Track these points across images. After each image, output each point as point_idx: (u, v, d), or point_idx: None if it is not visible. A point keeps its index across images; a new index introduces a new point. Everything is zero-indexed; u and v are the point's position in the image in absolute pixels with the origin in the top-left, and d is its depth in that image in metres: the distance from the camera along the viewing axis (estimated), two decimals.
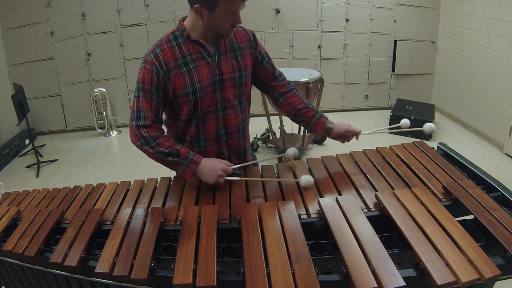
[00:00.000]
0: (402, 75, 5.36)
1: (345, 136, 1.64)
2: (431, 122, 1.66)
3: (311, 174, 1.58)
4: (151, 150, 1.44)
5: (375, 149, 1.77)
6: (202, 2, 1.33)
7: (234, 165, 1.53)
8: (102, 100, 4.83)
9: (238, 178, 1.49)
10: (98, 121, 4.91)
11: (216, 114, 1.51)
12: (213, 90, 1.47)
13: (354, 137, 1.66)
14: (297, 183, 1.48)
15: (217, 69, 1.46)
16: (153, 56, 1.43)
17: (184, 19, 1.47)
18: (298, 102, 1.61)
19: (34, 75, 4.71)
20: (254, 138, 4.22)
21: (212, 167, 1.44)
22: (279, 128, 4.01)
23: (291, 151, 1.55)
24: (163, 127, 1.53)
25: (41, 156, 4.30)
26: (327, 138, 4.28)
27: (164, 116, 1.59)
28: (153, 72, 1.42)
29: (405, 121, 1.77)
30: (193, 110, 1.48)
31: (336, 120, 1.67)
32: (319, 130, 1.62)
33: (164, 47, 1.43)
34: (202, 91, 1.44)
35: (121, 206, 1.51)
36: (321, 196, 1.42)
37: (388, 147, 1.79)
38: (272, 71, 1.62)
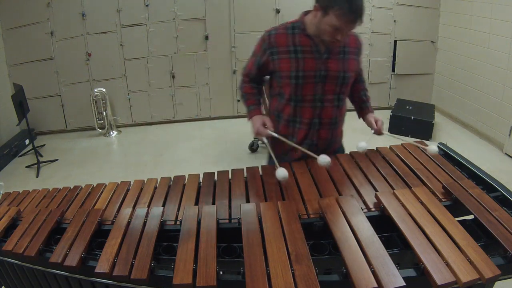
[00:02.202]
0: (402, 75, 5.36)
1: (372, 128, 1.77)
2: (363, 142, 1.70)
3: (311, 174, 1.58)
4: (239, 89, 1.84)
5: (375, 149, 1.77)
6: (320, 4, 1.47)
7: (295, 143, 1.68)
8: (102, 100, 4.83)
9: (266, 141, 1.66)
10: (98, 121, 4.91)
11: (313, 104, 1.64)
12: (315, 82, 1.60)
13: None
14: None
15: (323, 65, 1.58)
16: (267, 35, 1.63)
17: (306, 13, 1.63)
18: (358, 89, 1.83)
19: (34, 75, 4.71)
20: (254, 138, 4.22)
21: (254, 122, 1.67)
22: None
23: (281, 173, 1.49)
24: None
25: (41, 156, 4.30)
26: None
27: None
28: (262, 47, 1.65)
29: (432, 147, 1.66)
30: (293, 93, 1.63)
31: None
32: (359, 117, 1.86)
33: (279, 32, 1.62)
34: (303, 79, 1.59)
35: (121, 206, 1.51)
36: (321, 196, 1.42)
37: (388, 147, 1.79)
38: (359, 73, 1.81)
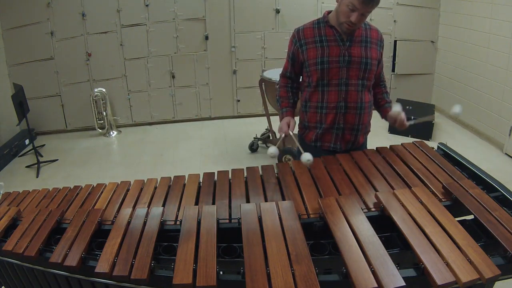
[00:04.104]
0: (402, 75, 5.36)
1: (396, 124, 1.81)
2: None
3: (311, 174, 1.58)
4: (276, 92, 1.98)
5: (375, 149, 1.77)
6: None
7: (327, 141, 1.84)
8: (102, 100, 4.83)
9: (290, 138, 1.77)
10: (98, 121, 4.91)
11: (339, 88, 1.76)
12: (340, 66, 1.73)
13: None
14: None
15: (346, 51, 1.72)
16: (296, 31, 1.82)
17: (329, 12, 1.79)
18: (379, 92, 1.94)
19: (34, 75, 4.71)
20: (254, 138, 4.22)
21: (282, 121, 1.81)
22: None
23: (272, 149, 1.60)
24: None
25: (41, 156, 4.30)
26: None
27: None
28: (292, 42, 1.83)
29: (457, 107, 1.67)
30: (320, 78, 1.76)
31: None
32: (382, 117, 1.94)
33: (307, 26, 1.80)
34: (329, 64, 1.73)
35: (121, 206, 1.51)
36: (321, 196, 1.42)
37: (388, 147, 1.79)
38: (380, 70, 1.90)
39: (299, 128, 1.96)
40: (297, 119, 1.88)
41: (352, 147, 1.85)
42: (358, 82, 1.76)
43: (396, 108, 1.76)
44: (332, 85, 1.76)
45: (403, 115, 1.77)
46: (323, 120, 1.81)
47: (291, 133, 1.75)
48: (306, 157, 1.55)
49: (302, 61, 1.80)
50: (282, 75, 1.94)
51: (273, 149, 1.59)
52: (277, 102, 1.94)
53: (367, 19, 1.77)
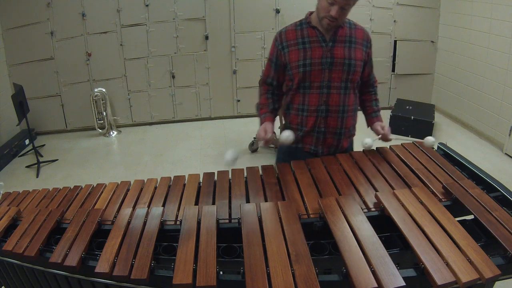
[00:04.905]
0: (402, 75, 5.36)
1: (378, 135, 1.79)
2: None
3: (311, 174, 1.58)
4: (257, 102, 1.90)
5: (375, 149, 1.77)
6: None
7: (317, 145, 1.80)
8: (102, 100, 4.83)
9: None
10: (98, 121, 4.91)
11: (320, 91, 1.71)
12: (322, 69, 1.68)
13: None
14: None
15: (329, 52, 1.67)
16: (278, 33, 1.76)
17: (311, 13, 1.73)
18: (368, 99, 1.89)
19: (34, 75, 4.71)
20: (254, 138, 4.22)
21: (259, 129, 1.75)
22: (279, 128, 4.01)
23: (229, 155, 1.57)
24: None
25: (41, 156, 4.30)
26: None
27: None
28: (275, 46, 1.77)
29: (429, 139, 1.72)
30: (301, 81, 1.71)
31: None
32: (368, 126, 1.90)
33: (289, 29, 1.74)
34: (310, 66, 1.68)
35: (121, 206, 1.51)
36: (321, 196, 1.42)
37: (388, 147, 1.79)
38: (369, 72, 1.84)
39: (281, 129, 1.95)
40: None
41: (336, 151, 1.79)
42: (341, 85, 1.70)
43: (366, 141, 1.73)
44: (313, 87, 1.70)
45: (386, 129, 1.73)
46: (303, 123, 1.76)
47: (269, 138, 1.67)
48: (285, 134, 1.55)
49: (284, 64, 1.74)
50: (263, 82, 1.85)
51: (230, 155, 1.55)
52: (256, 109, 1.88)
53: (358, 20, 1.75)
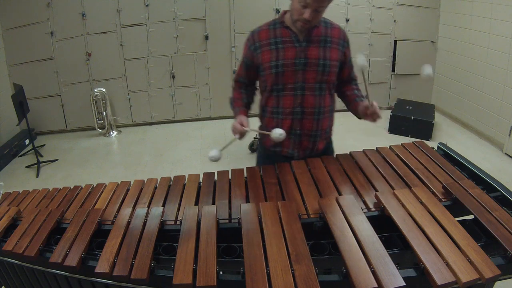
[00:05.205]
0: (402, 75, 5.36)
1: (367, 116, 1.64)
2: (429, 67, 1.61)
3: (311, 174, 1.58)
4: (230, 96, 1.85)
5: (375, 149, 1.77)
6: None
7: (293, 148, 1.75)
8: (102, 100, 4.83)
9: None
10: (98, 121, 4.91)
11: (294, 92, 1.66)
12: (295, 69, 1.63)
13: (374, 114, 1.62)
14: None
15: (302, 53, 1.61)
16: (251, 34, 1.71)
17: (285, 12, 1.68)
18: (349, 89, 1.81)
19: (34, 75, 4.71)
20: (254, 138, 4.22)
21: (234, 121, 1.68)
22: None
23: (213, 153, 1.56)
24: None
25: (41, 156, 4.30)
26: None
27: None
28: (247, 46, 1.72)
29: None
30: (274, 82, 1.66)
31: (343, 119, 1.70)
32: (353, 111, 1.78)
33: (262, 28, 1.69)
34: (283, 67, 1.63)
35: (121, 206, 1.51)
36: (321, 196, 1.42)
37: (388, 147, 1.79)
38: (349, 72, 1.79)
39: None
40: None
41: (311, 154, 1.75)
42: (316, 86, 1.65)
43: (361, 61, 1.56)
44: (287, 89, 1.65)
45: (374, 104, 1.58)
46: (279, 126, 1.67)
47: (247, 129, 1.62)
48: (278, 131, 1.50)
49: (257, 65, 1.69)
50: (235, 80, 1.84)
51: (214, 153, 1.54)
52: (230, 104, 1.82)
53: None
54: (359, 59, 1.58)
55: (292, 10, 1.56)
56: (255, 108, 1.86)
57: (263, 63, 1.65)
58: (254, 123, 1.78)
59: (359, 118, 1.76)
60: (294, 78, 1.63)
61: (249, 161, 4.06)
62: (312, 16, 1.50)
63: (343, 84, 1.81)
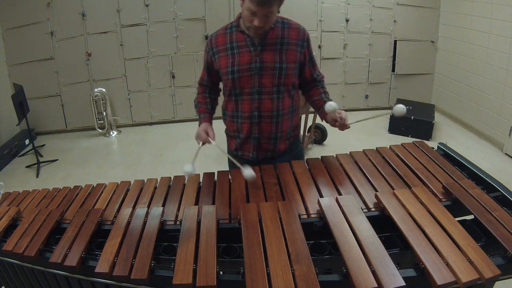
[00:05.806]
0: (402, 75, 5.36)
1: (336, 126, 1.65)
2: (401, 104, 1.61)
3: (311, 174, 1.58)
4: (195, 98, 1.92)
5: (375, 149, 1.77)
6: None
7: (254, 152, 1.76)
8: (102, 100, 4.83)
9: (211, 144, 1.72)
10: (98, 121, 4.91)
11: (251, 96, 1.66)
12: (251, 74, 1.62)
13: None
14: None
15: (257, 57, 1.60)
16: (209, 38, 1.71)
17: (241, 15, 1.63)
18: (315, 93, 1.78)
19: (34, 75, 4.71)
20: None
21: (199, 128, 1.80)
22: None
23: (187, 168, 1.54)
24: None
25: (41, 156, 4.30)
26: (327, 138, 4.28)
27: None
28: (206, 51, 1.73)
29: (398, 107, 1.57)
30: (232, 87, 1.67)
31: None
32: (322, 119, 1.75)
33: (219, 33, 1.68)
34: (239, 73, 1.62)
35: (121, 206, 1.51)
36: (321, 196, 1.42)
37: (388, 147, 1.79)
38: (311, 72, 1.75)
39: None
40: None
41: (272, 156, 1.75)
42: (273, 89, 1.63)
43: (330, 106, 1.54)
44: (244, 94, 1.65)
45: (343, 114, 1.58)
46: (239, 129, 1.73)
47: (212, 142, 1.66)
48: (248, 173, 1.45)
49: (216, 69, 1.70)
50: (199, 83, 1.87)
51: (188, 168, 1.51)
52: (195, 108, 1.87)
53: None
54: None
55: (243, 17, 1.54)
56: (219, 110, 1.92)
57: (221, 69, 1.66)
58: (219, 126, 1.88)
59: (322, 120, 1.76)
60: (250, 83, 1.63)
61: None
62: (263, 22, 1.47)
63: (309, 87, 1.78)
